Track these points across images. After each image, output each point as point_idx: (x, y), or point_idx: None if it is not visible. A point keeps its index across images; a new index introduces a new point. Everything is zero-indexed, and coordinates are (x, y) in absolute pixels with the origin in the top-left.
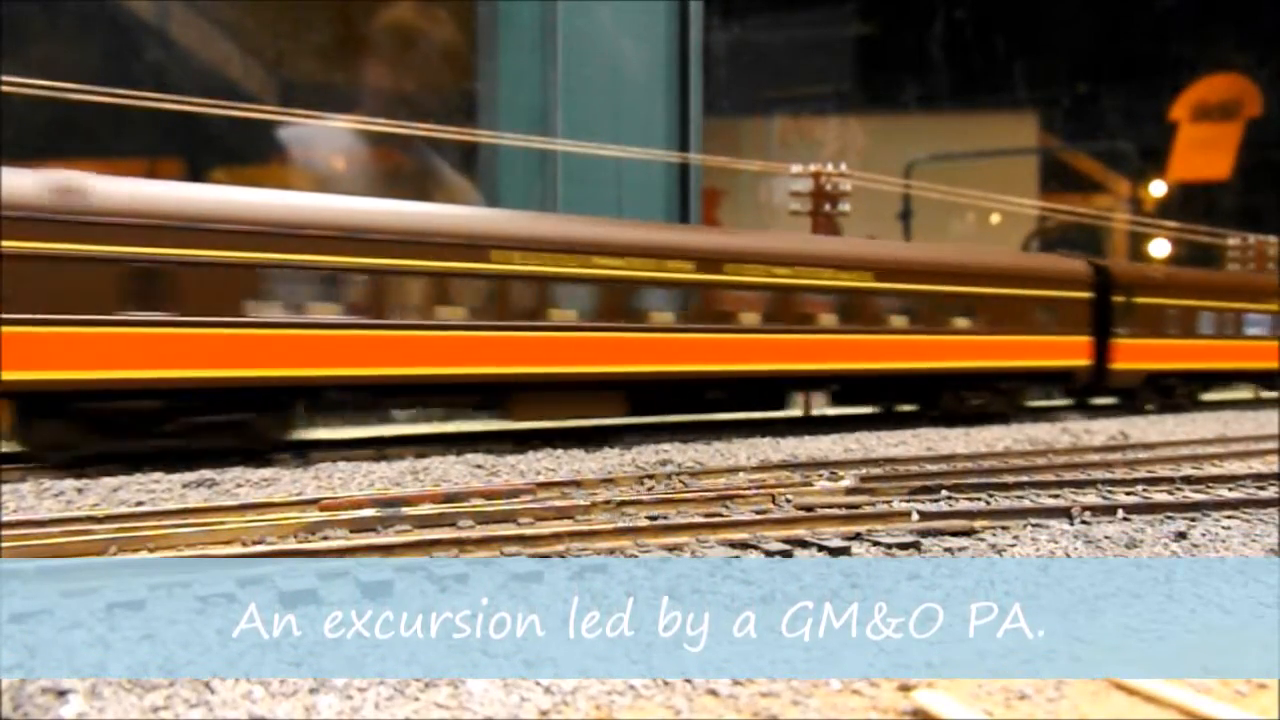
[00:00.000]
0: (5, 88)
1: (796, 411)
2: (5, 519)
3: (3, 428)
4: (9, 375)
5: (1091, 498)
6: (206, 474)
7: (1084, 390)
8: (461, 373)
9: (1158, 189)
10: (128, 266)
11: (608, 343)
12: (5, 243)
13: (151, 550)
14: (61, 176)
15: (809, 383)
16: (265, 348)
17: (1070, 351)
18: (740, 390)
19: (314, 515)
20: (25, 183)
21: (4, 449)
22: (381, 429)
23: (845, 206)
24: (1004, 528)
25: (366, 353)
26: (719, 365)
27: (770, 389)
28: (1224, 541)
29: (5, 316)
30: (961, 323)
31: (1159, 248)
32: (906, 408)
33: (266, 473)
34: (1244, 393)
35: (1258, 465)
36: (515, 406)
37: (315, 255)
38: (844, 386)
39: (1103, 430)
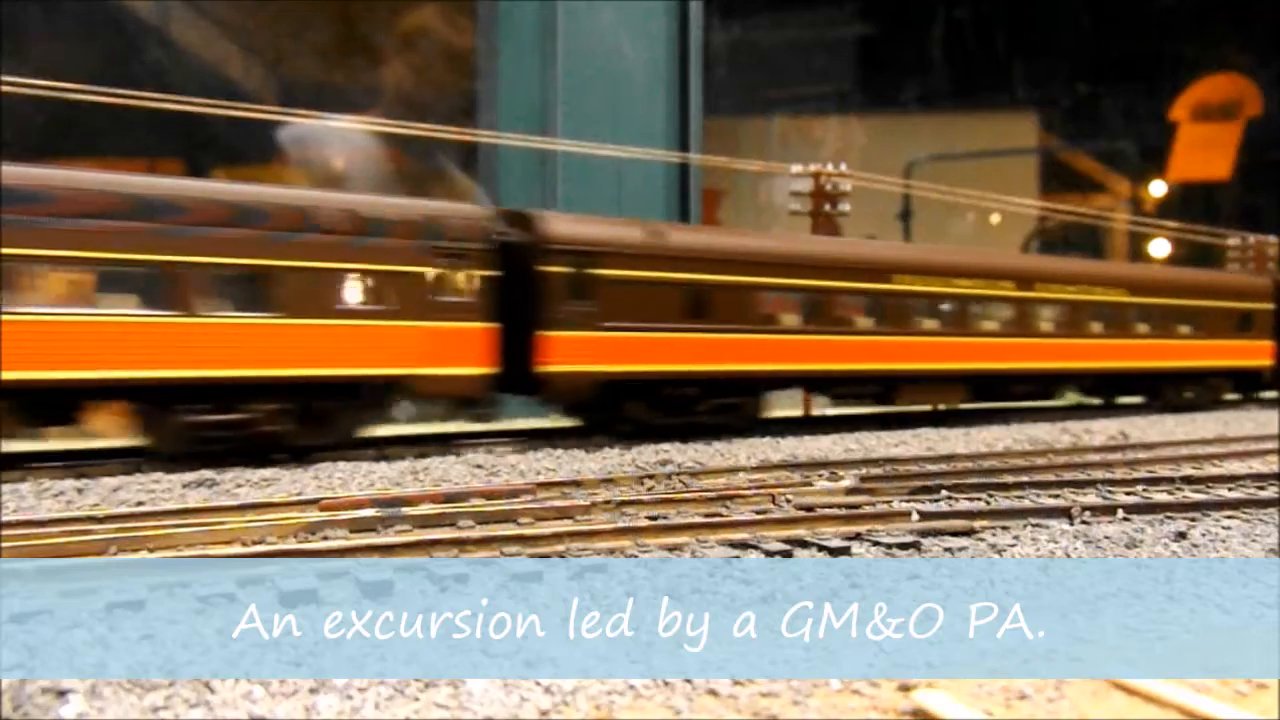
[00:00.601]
0: (5, 88)
1: (795, 411)
2: (5, 519)
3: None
4: (634, 367)
5: (1091, 498)
6: (206, 474)
7: (1263, 386)
8: (867, 369)
9: (1158, 189)
10: (688, 289)
11: (960, 346)
12: (609, 271)
13: (151, 550)
14: (651, 225)
15: (1081, 379)
16: (769, 349)
17: (1259, 354)
18: (1036, 383)
19: (314, 515)
20: (631, 229)
21: (4, 449)
22: (381, 429)
23: (845, 206)
24: (1004, 528)
25: (816, 352)
26: (1026, 364)
27: (1056, 383)
28: (1224, 541)
29: (621, 324)
30: (1183, 329)
31: (1159, 248)
32: (1131, 399)
33: (266, 473)
34: None
35: (1258, 465)
36: (899, 395)
37: (818, 282)
38: (1103, 382)
39: (1103, 430)
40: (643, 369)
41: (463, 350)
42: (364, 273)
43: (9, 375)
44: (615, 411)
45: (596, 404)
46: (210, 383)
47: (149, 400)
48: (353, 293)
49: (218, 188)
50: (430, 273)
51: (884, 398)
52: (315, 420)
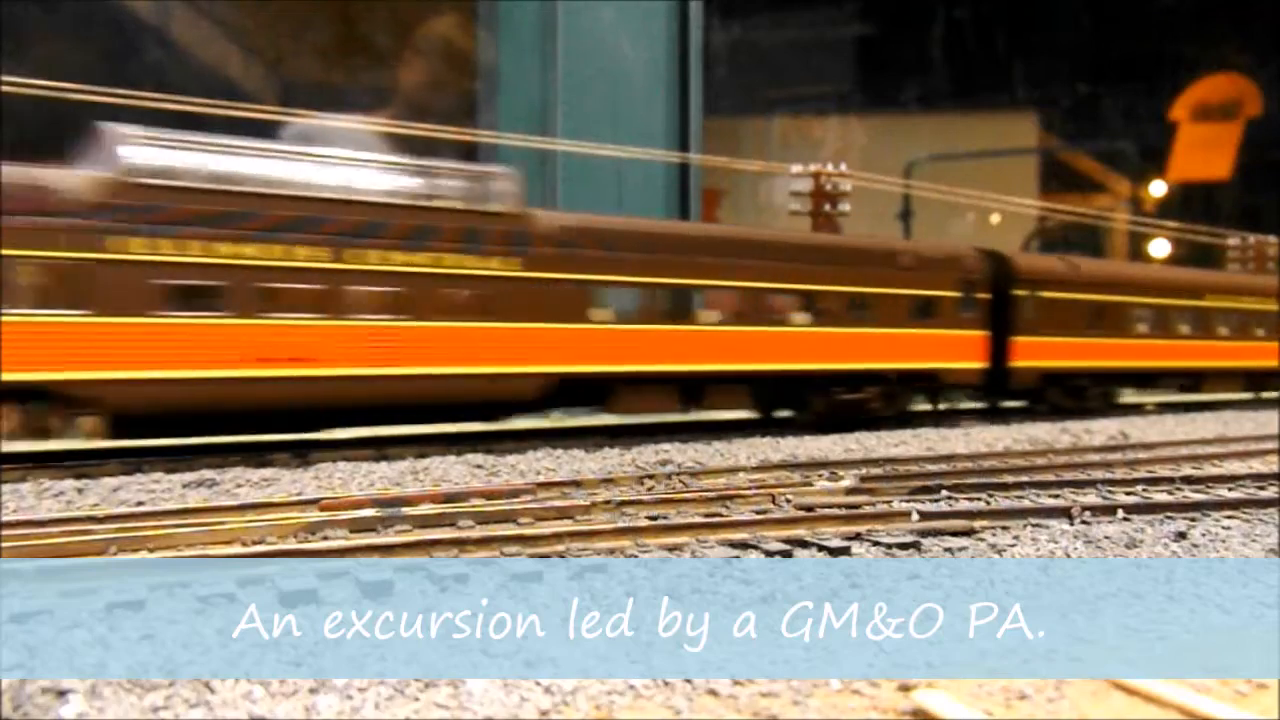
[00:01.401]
0: (5, 88)
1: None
2: (5, 519)
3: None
4: (1061, 364)
5: (1091, 498)
6: (206, 474)
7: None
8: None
9: (1158, 189)
10: (1092, 306)
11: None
12: (1049, 294)
13: (151, 550)
14: (1068, 259)
15: (1195, 375)
16: (1132, 351)
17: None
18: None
19: (314, 515)
20: (1058, 263)
21: (4, 449)
22: (381, 429)
23: (845, 206)
24: (1004, 528)
25: (1155, 354)
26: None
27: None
28: (1224, 541)
29: (1054, 332)
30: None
31: (1159, 248)
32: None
33: (266, 473)
34: None
35: (1258, 465)
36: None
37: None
38: (1194, 378)
39: (1103, 430)
40: (1065, 365)
41: (972, 350)
42: (926, 296)
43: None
44: (1040, 397)
45: (1033, 392)
46: (851, 373)
47: (814, 385)
48: (920, 309)
49: (850, 241)
50: (957, 295)
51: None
52: (890, 399)
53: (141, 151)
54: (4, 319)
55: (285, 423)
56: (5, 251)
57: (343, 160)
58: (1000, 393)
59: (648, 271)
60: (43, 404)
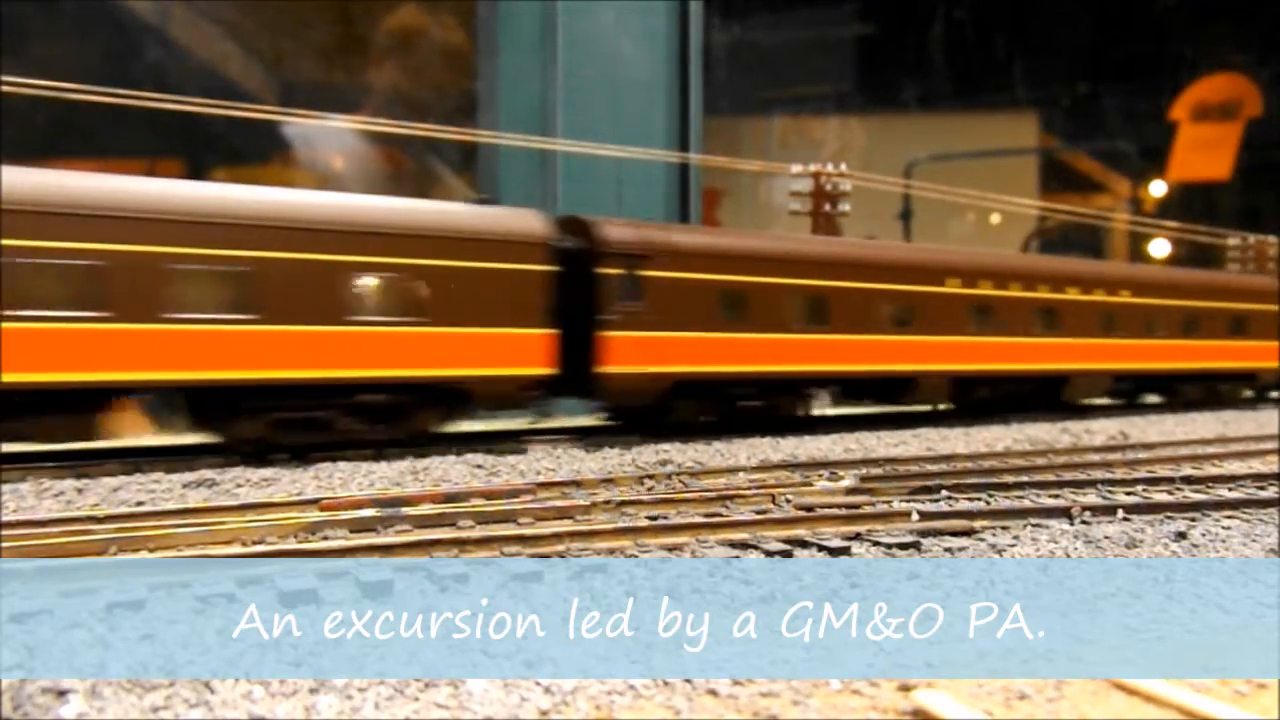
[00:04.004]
0: (5, 88)
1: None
2: (5, 519)
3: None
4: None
5: (1091, 498)
6: (206, 474)
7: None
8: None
9: (1158, 189)
10: None
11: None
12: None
13: (151, 550)
14: None
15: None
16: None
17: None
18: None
19: (314, 515)
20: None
21: (4, 449)
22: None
23: (845, 206)
24: (1004, 528)
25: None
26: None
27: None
28: (1224, 541)
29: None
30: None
31: (1159, 248)
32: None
33: (266, 473)
34: None
35: (1258, 465)
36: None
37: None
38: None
39: (1103, 430)
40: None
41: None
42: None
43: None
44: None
45: None
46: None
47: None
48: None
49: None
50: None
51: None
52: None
53: None
54: None
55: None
56: None
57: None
58: None
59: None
60: None
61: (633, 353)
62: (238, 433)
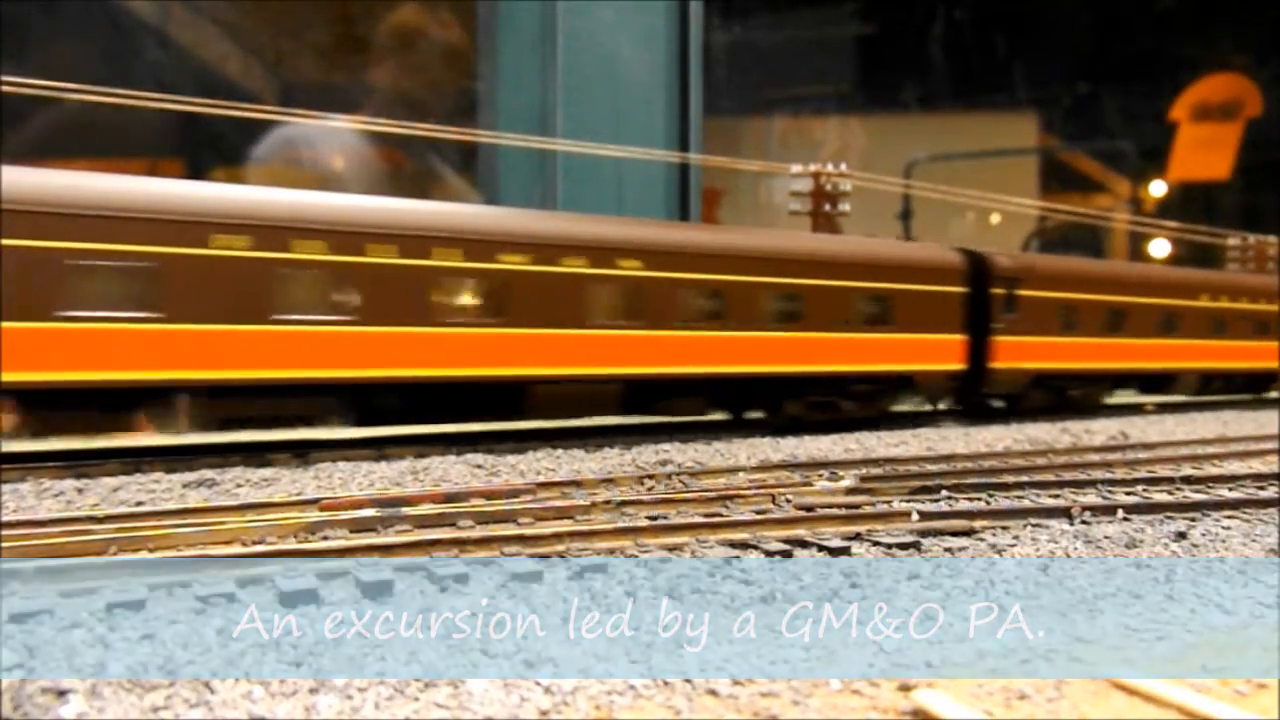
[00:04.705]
0: (5, 88)
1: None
2: (5, 519)
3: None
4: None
5: (1091, 498)
6: (206, 474)
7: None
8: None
9: (1158, 189)
10: None
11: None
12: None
13: (151, 550)
14: None
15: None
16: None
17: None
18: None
19: (314, 515)
20: None
21: (4, 449)
22: (381, 429)
23: (845, 206)
24: (1004, 528)
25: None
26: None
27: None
28: (1224, 541)
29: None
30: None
31: (1159, 248)
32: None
33: (266, 473)
34: None
35: (1258, 465)
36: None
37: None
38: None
39: (1103, 430)
40: None
41: None
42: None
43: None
44: None
45: None
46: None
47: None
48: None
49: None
50: None
51: None
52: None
53: None
54: None
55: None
56: None
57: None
58: None
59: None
60: None
61: (1012, 352)
62: (784, 411)
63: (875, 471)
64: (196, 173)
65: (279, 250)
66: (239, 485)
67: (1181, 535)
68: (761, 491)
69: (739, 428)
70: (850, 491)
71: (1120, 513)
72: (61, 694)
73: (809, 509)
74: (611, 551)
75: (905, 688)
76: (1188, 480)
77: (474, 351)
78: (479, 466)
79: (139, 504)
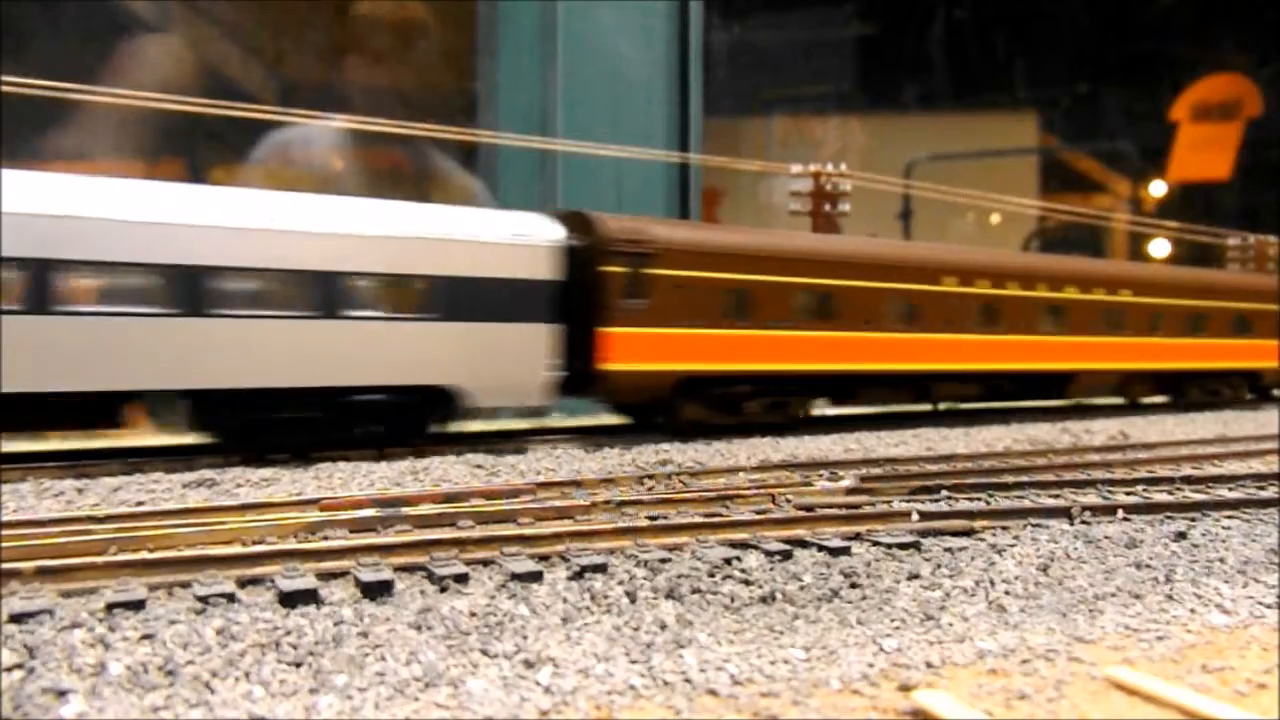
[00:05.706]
0: (5, 88)
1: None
2: (5, 519)
3: None
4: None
5: (1091, 498)
6: (206, 474)
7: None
8: None
9: (1158, 189)
10: None
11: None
12: None
13: (151, 550)
14: None
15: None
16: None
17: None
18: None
19: (314, 515)
20: None
21: (4, 449)
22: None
23: (845, 206)
24: (1004, 528)
25: None
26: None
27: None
28: (1224, 541)
29: None
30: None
31: (1159, 248)
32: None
33: (266, 473)
34: None
35: (1258, 465)
36: None
37: None
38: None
39: (1103, 430)
40: None
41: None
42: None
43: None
44: None
45: None
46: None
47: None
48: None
49: None
50: None
51: None
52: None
53: None
54: None
55: None
56: None
57: None
58: None
59: None
60: None
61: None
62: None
63: (875, 471)
64: (196, 173)
65: (970, 287)
66: (239, 485)
67: (1181, 535)
68: (761, 491)
69: (739, 428)
70: (850, 491)
71: (1120, 513)
72: (61, 694)
73: (809, 509)
74: (611, 551)
75: (905, 688)
76: (1188, 480)
77: (1026, 351)
78: (479, 466)
79: (139, 504)
